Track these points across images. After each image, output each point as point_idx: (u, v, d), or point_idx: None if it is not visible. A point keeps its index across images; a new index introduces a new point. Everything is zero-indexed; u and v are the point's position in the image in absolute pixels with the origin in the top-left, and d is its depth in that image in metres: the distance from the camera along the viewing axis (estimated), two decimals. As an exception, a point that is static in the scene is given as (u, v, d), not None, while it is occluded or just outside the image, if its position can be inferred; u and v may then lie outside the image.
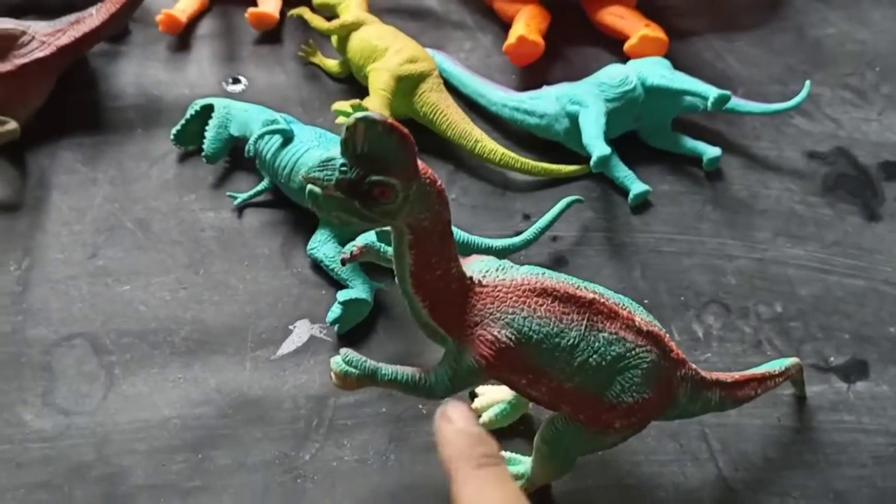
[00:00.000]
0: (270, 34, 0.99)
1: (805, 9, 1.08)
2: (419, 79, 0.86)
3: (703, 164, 0.89)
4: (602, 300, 0.56)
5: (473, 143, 0.86)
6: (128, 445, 0.68)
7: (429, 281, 0.52)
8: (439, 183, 0.49)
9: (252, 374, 0.72)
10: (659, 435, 0.70)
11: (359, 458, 0.68)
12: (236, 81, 0.94)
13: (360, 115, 0.45)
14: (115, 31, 0.90)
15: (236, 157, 0.87)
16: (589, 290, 0.56)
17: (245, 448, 0.68)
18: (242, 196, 0.83)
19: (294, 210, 0.82)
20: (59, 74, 0.87)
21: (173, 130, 0.86)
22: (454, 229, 0.57)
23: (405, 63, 0.86)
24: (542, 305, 0.54)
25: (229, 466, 0.67)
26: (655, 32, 0.95)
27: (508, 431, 0.70)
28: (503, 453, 0.67)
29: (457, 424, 0.50)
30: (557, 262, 0.81)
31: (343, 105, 0.82)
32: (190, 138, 0.86)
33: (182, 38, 0.98)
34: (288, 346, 0.74)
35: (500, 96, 0.91)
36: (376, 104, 0.82)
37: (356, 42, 0.90)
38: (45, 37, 0.84)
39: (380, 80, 0.85)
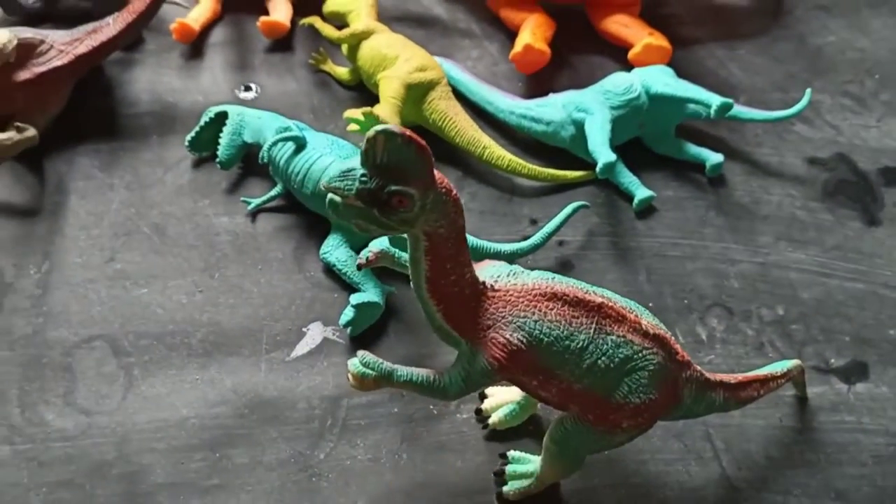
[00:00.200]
0: (281, 42, 1.01)
1: (806, 17, 1.10)
2: (428, 87, 0.88)
3: (707, 171, 0.91)
4: (610, 304, 0.58)
5: (482, 150, 0.88)
6: (147, 444, 0.70)
7: (443, 286, 0.54)
8: (454, 192, 0.51)
9: (267, 376, 0.74)
10: (664, 435, 0.72)
11: (372, 457, 0.70)
12: (248, 89, 0.96)
13: (380, 127, 0.46)
14: (131, 40, 0.92)
15: (249, 162, 0.89)
16: (597, 294, 0.58)
17: (261, 447, 0.70)
18: (256, 201, 0.85)
19: (306, 215, 0.84)
20: (76, 82, 0.89)
21: (188, 137, 0.87)
22: (465, 235, 0.59)
23: (415, 71, 0.88)
24: (552, 309, 0.56)
25: (246, 465, 0.69)
26: (659, 41, 0.97)
27: (518, 431, 0.72)
28: (512, 452, 0.69)
29: None
30: (564, 267, 0.83)
31: (355, 113, 0.84)
32: (204, 145, 0.88)
33: (195, 46, 1.00)
34: (302, 348, 0.76)
35: (507, 103, 0.93)
36: (387, 112, 0.84)
37: (366, 50, 0.92)
38: (63, 46, 0.86)
39: (390, 89, 0.86)
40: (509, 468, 0.68)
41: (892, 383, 0.76)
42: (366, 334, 0.77)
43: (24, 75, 0.84)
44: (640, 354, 0.58)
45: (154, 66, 0.98)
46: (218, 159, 0.85)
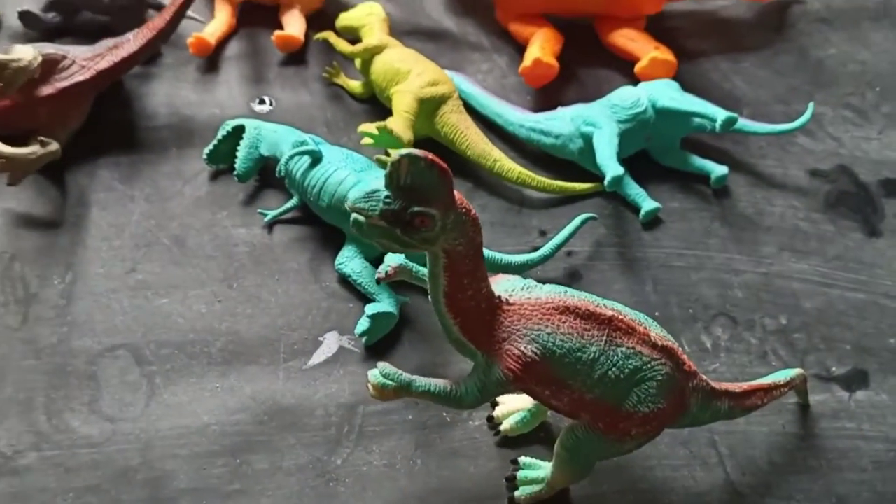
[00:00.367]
0: (295, 56, 1.04)
1: (808, 30, 1.12)
2: (440, 101, 0.91)
3: (711, 182, 0.93)
4: (620, 317, 0.60)
5: (492, 163, 0.90)
6: (170, 451, 0.72)
7: (461, 300, 0.57)
8: (473, 212, 0.54)
9: (285, 384, 0.76)
10: (671, 442, 0.74)
11: (387, 463, 0.72)
12: (263, 102, 0.99)
13: (403, 151, 0.49)
14: (151, 56, 0.94)
15: (265, 175, 0.91)
16: (608, 307, 0.61)
17: (280, 453, 0.72)
18: (272, 213, 0.87)
19: (321, 226, 0.86)
20: (96, 96, 0.92)
21: (206, 150, 0.90)
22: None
23: (427, 86, 0.90)
24: (565, 322, 0.59)
25: (266, 471, 0.71)
26: (665, 55, 0.99)
27: (528, 438, 0.74)
28: (523, 458, 0.71)
29: None
30: (572, 277, 0.85)
31: (369, 127, 0.86)
32: (221, 157, 0.90)
33: (211, 59, 1.02)
34: (318, 357, 0.78)
35: (516, 117, 0.95)
36: (400, 126, 0.86)
37: (379, 65, 0.94)
38: (84, 61, 0.89)
39: (403, 103, 0.89)
40: (520, 474, 0.71)
41: (892, 391, 0.79)
42: (380, 343, 0.79)
43: (46, 90, 0.86)
44: (649, 365, 0.60)
45: (171, 79, 1.00)
46: (235, 172, 0.88)
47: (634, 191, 0.90)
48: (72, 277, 0.82)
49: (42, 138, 0.84)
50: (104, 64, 0.89)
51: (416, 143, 0.89)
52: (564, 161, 0.94)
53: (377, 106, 0.98)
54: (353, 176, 0.81)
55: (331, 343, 0.79)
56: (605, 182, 0.85)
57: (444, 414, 0.75)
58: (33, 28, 1.02)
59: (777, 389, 0.71)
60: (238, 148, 0.89)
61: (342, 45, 0.97)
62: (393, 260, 0.63)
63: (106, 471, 0.70)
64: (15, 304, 0.79)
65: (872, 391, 0.79)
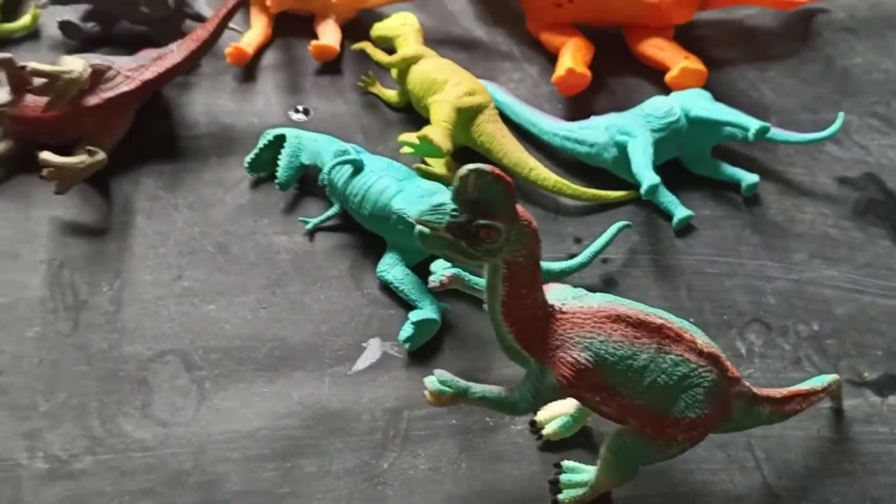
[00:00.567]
0: (330, 65, 1.05)
1: (833, 39, 1.14)
2: (477, 110, 0.92)
3: (742, 190, 0.94)
4: (669, 325, 0.62)
5: (528, 171, 0.92)
6: (222, 454, 0.74)
7: (517, 309, 0.58)
8: (534, 224, 0.55)
9: (331, 389, 0.78)
10: (708, 446, 0.75)
11: (433, 467, 0.74)
12: (301, 111, 1.00)
13: (471, 166, 0.51)
14: (193, 66, 0.96)
15: (305, 183, 0.93)
16: (657, 315, 0.62)
17: (329, 457, 0.74)
18: (314, 221, 0.89)
19: (361, 234, 0.88)
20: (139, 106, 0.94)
21: (247, 159, 0.92)
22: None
23: (464, 96, 0.92)
24: (616, 330, 0.60)
25: (315, 474, 0.73)
26: (695, 64, 1.01)
27: (570, 442, 0.75)
28: (566, 462, 0.73)
29: None
30: (608, 284, 0.87)
31: (409, 137, 0.88)
32: (263, 166, 0.92)
33: (247, 69, 1.04)
34: (362, 363, 0.80)
35: (550, 126, 0.97)
36: (439, 136, 0.88)
37: (416, 74, 0.96)
38: (129, 72, 0.90)
39: (442, 113, 0.90)
40: (564, 477, 0.72)
41: (925, 396, 0.80)
42: (422, 349, 0.81)
43: (93, 100, 0.88)
44: (696, 372, 0.62)
45: (209, 89, 1.02)
46: (277, 180, 0.89)
47: (667, 199, 0.92)
48: (120, 284, 0.84)
49: (90, 148, 0.86)
50: (148, 74, 0.91)
51: (453, 153, 0.91)
52: (597, 169, 0.96)
53: (413, 115, 0.99)
54: (395, 185, 0.83)
55: (374, 349, 0.81)
56: (642, 191, 0.86)
57: (487, 418, 0.77)
58: (73, 38, 1.04)
59: (815, 395, 0.73)
60: (279, 157, 0.91)
61: (380, 56, 0.99)
62: (447, 270, 0.65)
63: (159, 474, 0.72)
64: (65, 311, 0.81)
65: (905, 396, 0.80)
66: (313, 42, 1.03)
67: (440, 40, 1.08)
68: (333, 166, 0.85)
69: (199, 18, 1.03)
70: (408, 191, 0.83)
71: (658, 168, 0.93)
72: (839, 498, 0.74)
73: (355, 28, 1.08)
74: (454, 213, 0.52)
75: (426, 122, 0.96)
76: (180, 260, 0.86)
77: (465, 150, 0.94)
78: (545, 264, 0.83)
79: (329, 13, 1.07)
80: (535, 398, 0.61)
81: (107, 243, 0.87)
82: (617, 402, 0.62)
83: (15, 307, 0.81)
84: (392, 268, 0.84)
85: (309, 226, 0.89)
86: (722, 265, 0.89)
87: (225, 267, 0.86)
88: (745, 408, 0.67)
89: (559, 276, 0.83)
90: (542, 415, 0.76)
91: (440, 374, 0.60)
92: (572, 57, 1.01)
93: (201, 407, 0.76)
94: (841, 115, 0.97)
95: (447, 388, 0.60)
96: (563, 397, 0.62)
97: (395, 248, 0.85)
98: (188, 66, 0.94)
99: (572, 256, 0.86)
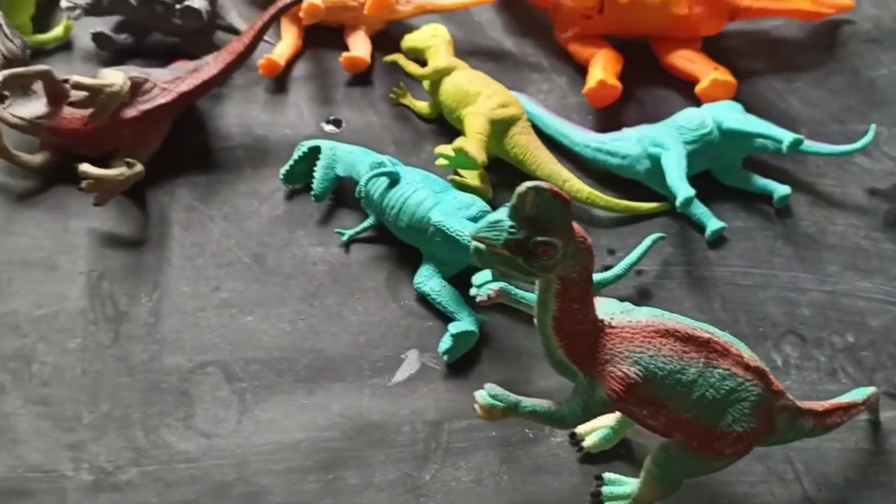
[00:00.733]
0: (361, 76, 1.06)
1: (859, 50, 1.14)
2: (510, 122, 0.93)
3: (774, 202, 0.95)
4: (716, 339, 0.62)
5: (561, 183, 0.92)
6: (265, 466, 0.74)
7: (568, 324, 0.59)
8: (589, 240, 0.56)
9: (371, 400, 0.79)
10: (748, 458, 0.74)
11: (474, 479, 0.74)
12: (333, 122, 1.01)
13: (530, 183, 0.51)
14: (228, 78, 0.97)
15: (338, 194, 0.93)
16: (703, 329, 0.63)
17: (371, 469, 0.74)
18: (350, 232, 0.89)
19: (397, 246, 0.89)
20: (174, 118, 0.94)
21: (282, 170, 0.92)
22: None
23: (498, 108, 0.92)
24: (665, 345, 0.61)
25: (358, 486, 0.73)
26: (725, 76, 1.02)
27: (609, 454, 0.76)
28: (608, 474, 0.73)
29: None
30: (643, 295, 0.87)
31: (445, 149, 0.89)
32: (298, 177, 0.93)
33: (279, 80, 1.04)
34: (401, 374, 0.81)
35: (581, 137, 0.97)
36: (474, 148, 0.88)
37: (448, 86, 0.96)
38: (165, 84, 0.91)
39: (476, 125, 0.91)
40: (606, 489, 0.73)
41: (960, 408, 0.81)
42: (460, 362, 0.81)
43: (130, 112, 0.89)
44: (743, 386, 0.62)
45: (241, 100, 1.02)
46: (312, 192, 0.90)
47: (700, 210, 0.92)
48: (159, 295, 0.84)
49: (129, 160, 0.86)
50: (184, 86, 0.91)
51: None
52: (628, 180, 0.96)
53: (444, 126, 1.00)
54: (432, 197, 0.84)
55: (412, 361, 0.82)
56: (677, 203, 0.87)
57: (527, 430, 0.77)
58: (106, 49, 1.05)
59: (855, 408, 0.73)
60: (313, 168, 0.91)
61: (412, 67, 1.00)
62: (493, 284, 0.65)
63: (203, 485, 0.73)
64: (105, 322, 0.82)
65: (941, 408, 0.81)
66: (344, 54, 1.04)
67: (469, 51, 1.09)
68: (370, 178, 0.86)
69: (231, 30, 1.04)
70: (445, 203, 0.83)
71: (690, 180, 0.93)
72: (878, 510, 0.74)
73: (385, 39, 1.08)
74: (512, 229, 0.53)
75: (458, 133, 0.97)
76: (217, 271, 0.87)
77: (496, 162, 0.94)
78: (582, 276, 0.83)
79: (359, 24, 1.07)
80: (584, 412, 0.61)
81: (144, 254, 0.87)
82: (665, 416, 0.62)
83: (56, 318, 0.82)
84: (429, 279, 0.84)
85: (345, 237, 0.89)
86: (756, 277, 0.90)
87: (262, 278, 0.86)
88: (788, 421, 0.67)
89: (595, 289, 0.83)
90: (582, 427, 0.76)
91: (491, 388, 0.61)
92: (603, 68, 1.01)
93: (243, 418, 0.77)
94: (873, 126, 0.97)
95: (498, 402, 0.60)
96: (612, 411, 0.63)
97: (431, 259, 0.85)
98: (224, 78, 0.95)
99: (607, 268, 0.86)
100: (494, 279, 0.75)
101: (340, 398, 0.79)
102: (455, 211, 0.82)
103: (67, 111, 0.89)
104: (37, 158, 0.91)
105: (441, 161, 0.89)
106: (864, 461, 0.77)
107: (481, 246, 0.54)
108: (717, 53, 1.08)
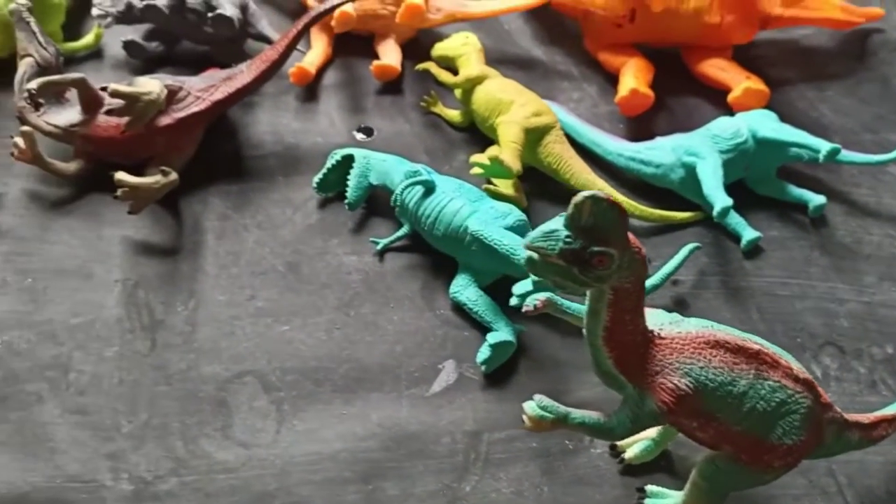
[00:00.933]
0: (391, 85, 1.06)
1: (889, 59, 1.14)
2: (544, 131, 0.92)
3: (809, 212, 0.94)
4: (766, 351, 0.62)
5: (596, 192, 0.91)
6: (305, 476, 0.73)
7: (619, 335, 0.58)
8: (643, 251, 0.55)
9: (409, 411, 0.78)
10: (791, 471, 0.75)
11: (515, 490, 0.74)
12: (364, 131, 1.01)
13: (587, 193, 0.51)
14: (261, 87, 0.96)
15: (371, 203, 0.93)
16: (753, 341, 0.62)
17: (411, 480, 0.74)
18: (384, 241, 0.89)
19: (431, 254, 0.88)
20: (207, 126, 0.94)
21: (315, 179, 0.92)
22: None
23: (531, 116, 0.92)
24: (715, 356, 0.60)
25: (398, 497, 0.73)
26: (757, 85, 1.01)
27: (650, 466, 0.75)
28: (650, 487, 0.73)
29: None
30: (679, 305, 0.87)
31: (480, 157, 0.88)
32: (331, 186, 0.92)
33: (309, 88, 1.04)
34: (439, 384, 0.80)
35: (614, 146, 0.97)
36: (509, 157, 0.88)
37: (481, 95, 0.96)
38: (199, 92, 0.91)
39: (510, 133, 0.90)
40: (648, 502, 0.72)
41: None
42: (497, 372, 0.81)
43: (165, 121, 0.89)
44: (793, 398, 0.62)
45: (272, 108, 1.02)
46: (346, 200, 0.90)
47: (735, 220, 0.92)
48: (194, 304, 0.84)
49: (164, 168, 0.86)
50: (218, 95, 0.91)
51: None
52: (661, 189, 0.96)
53: (476, 134, 1.00)
54: (468, 206, 0.83)
55: (449, 371, 0.81)
56: (714, 213, 0.86)
57: (567, 441, 0.77)
58: (136, 57, 1.05)
59: (901, 420, 0.72)
60: (346, 177, 0.91)
61: (445, 76, 1.00)
62: (539, 294, 0.65)
63: (244, 496, 0.72)
64: (142, 331, 0.81)
65: (984, 421, 0.80)
66: (375, 62, 1.04)
67: (498, 60, 1.09)
68: (405, 187, 0.86)
69: (262, 38, 1.04)
70: (481, 212, 0.83)
71: (724, 189, 0.93)
72: (922, 524, 0.74)
73: (415, 48, 1.08)
74: (568, 239, 0.52)
75: (490, 141, 0.96)
76: (252, 280, 0.86)
77: (529, 171, 0.94)
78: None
79: (389, 33, 1.07)
80: (633, 424, 0.61)
81: (179, 263, 0.87)
82: (714, 428, 0.61)
83: (92, 326, 0.81)
84: (465, 289, 0.84)
85: (380, 246, 0.89)
86: (793, 287, 0.89)
87: (297, 287, 0.86)
88: (836, 434, 0.66)
89: (634, 298, 0.83)
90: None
91: (540, 399, 0.60)
92: (634, 77, 1.01)
93: (281, 428, 0.76)
94: (908, 136, 0.97)
95: (548, 414, 0.60)
96: (662, 423, 0.62)
97: (467, 269, 0.85)
98: (258, 86, 0.94)
99: (643, 278, 0.86)
100: (536, 289, 0.75)
101: (378, 408, 0.78)
102: (492, 220, 0.82)
103: (102, 119, 0.89)
104: (71, 166, 0.91)
105: (476, 170, 0.89)
106: (907, 474, 0.77)
107: (535, 255, 0.53)
108: (747, 62, 1.07)
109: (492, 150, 0.91)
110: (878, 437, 0.70)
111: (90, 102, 0.89)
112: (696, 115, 1.04)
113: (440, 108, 1.03)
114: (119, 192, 0.84)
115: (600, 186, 0.92)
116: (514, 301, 0.77)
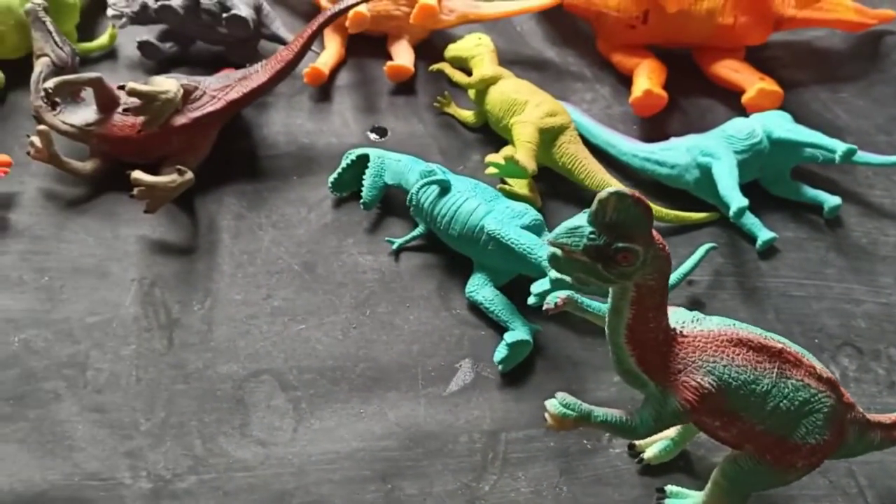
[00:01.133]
0: (405, 85, 1.06)
1: (902, 60, 1.14)
2: (558, 131, 0.92)
3: (825, 213, 0.94)
4: (788, 349, 0.61)
5: (611, 192, 0.91)
6: (323, 475, 0.73)
7: (642, 333, 0.58)
8: (667, 248, 0.55)
9: (427, 410, 0.78)
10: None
11: (534, 490, 0.74)
12: (378, 131, 1.01)
13: (611, 189, 0.51)
14: (275, 87, 0.97)
15: (386, 202, 0.93)
16: (775, 339, 0.62)
17: (429, 479, 0.74)
18: (399, 241, 0.89)
19: (446, 254, 0.88)
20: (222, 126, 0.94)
21: (331, 178, 0.92)
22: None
23: (546, 116, 0.92)
24: (738, 355, 0.60)
25: (416, 496, 0.73)
26: (771, 86, 1.01)
27: (668, 466, 0.75)
28: (670, 487, 0.72)
29: None
30: (696, 305, 0.87)
31: (496, 157, 0.88)
32: (346, 185, 0.92)
33: (322, 89, 1.04)
34: (456, 384, 0.80)
35: (629, 147, 0.97)
36: (524, 157, 0.88)
37: (495, 95, 0.96)
38: (215, 91, 0.91)
39: (525, 133, 0.90)
40: (668, 502, 0.72)
41: None
42: (514, 371, 0.81)
43: (180, 120, 0.89)
44: (816, 397, 0.61)
45: (286, 108, 1.02)
46: (362, 200, 0.90)
47: (750, 220, 0.92)
48: (211, 303, 0.84)
49: (180, 167, 0.86)
50: (233, 94, 0.91)
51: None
52: (675, 190, 0.96)
53: (490, 135, 1.00)
54: (484, 205, 0.83)
55: (466, 370, 0.81)
56: (731, 213, 0.86)
57: (585, 441, 0.77)
58: (151, 58, 1.05)
59: (921, 420, 0.72)
60: (361, 177, 0.91)
61: (458, 76, 1.00)
62: (560, 292, 0.65)
63: (263, 494, 0.72)
64: (159, 329, 0.81)
65: None
66: (388, 63, 1.04)
67: (511, 61, 1.09)
68: (421, 186, 0.85)
69: (276, 39, 1.04)
70: (497, 211, 0.83)
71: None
72: (941, 524, 0.73)
73: (427, 48, 1.08)
74: (592, 235, 0.52)
75: (504, 142, 0.96)
76: (268, 279, 0.86)
77: (542, 171, 0.94)
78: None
79: (403, 34, 1.07)
80: (656, 422, 0.61)
81: (195, 262, 0.87)
82: (738, 427, 0.61)
83: (109, 325, 0.81)
84: (481, 288, 0.83)
85: (395, 246, 0.89)
86: (809, 288, 0.89)
87: (313, 286, 0.86)
88: (858, 434, 0.66)
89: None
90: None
91: (563, 397, 0.60)
92: (648, 78, 1.01)
93: (299, 427, 0.76)
94: (923, 137, 0.97)
95: (570, 412, 0.59)
96: (685, 422, 0.62)
97: (483, 268, 0.85)
98: (272, 86, 0.94)
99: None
100: (554, 288, 0.75)
101: (396, 407, 0.78)
102: (508, 220, 0.82)
103: (118, 118, 0.89)
104: (87, 166, 0.91)
105: (491, 170, 0.89)
106: (925, 475, 0.76)
107: (558, 252, 0.53)
108: (759, 64, 1.07)
109: (507, 150, 0.91)
110: (899, 437, 0.70)
111: (106, 102, 0.89)
112: (709, 116, 1.04)
113: (454, 109, 1.03)
114: (135, 191, 0.84)
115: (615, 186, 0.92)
116: (532, 300, 0.77)
